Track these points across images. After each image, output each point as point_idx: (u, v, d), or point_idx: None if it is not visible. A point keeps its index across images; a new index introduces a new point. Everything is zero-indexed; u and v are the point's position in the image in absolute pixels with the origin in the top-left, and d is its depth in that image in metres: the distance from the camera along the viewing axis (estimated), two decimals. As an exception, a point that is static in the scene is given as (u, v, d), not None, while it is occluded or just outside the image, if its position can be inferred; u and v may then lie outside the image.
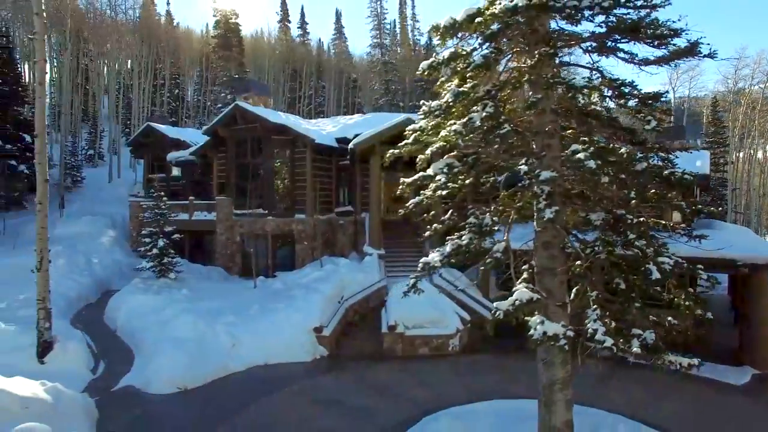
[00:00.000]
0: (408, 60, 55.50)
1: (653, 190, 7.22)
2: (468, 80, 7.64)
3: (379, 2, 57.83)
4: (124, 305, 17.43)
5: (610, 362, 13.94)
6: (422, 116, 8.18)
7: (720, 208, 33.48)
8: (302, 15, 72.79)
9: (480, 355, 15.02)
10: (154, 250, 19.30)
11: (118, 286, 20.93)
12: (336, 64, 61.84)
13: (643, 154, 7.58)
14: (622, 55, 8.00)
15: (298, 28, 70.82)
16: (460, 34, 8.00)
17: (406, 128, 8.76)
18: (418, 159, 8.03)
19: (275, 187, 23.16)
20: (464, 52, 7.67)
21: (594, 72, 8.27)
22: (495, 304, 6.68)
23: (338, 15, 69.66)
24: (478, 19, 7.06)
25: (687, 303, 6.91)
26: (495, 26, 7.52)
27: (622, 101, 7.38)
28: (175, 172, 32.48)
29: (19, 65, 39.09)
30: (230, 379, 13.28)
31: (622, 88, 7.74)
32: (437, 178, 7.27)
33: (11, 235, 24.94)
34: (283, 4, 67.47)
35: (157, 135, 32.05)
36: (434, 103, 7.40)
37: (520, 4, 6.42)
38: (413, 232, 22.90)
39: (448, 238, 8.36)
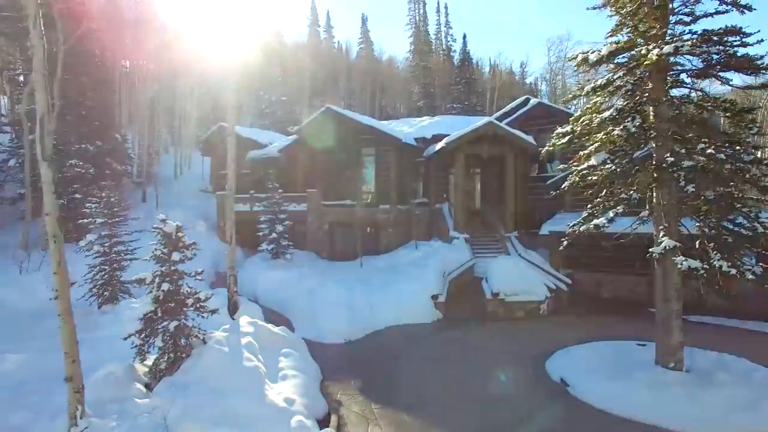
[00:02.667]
0: (440, 65, 58.72)
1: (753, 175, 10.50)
2: (618, 98, 10.96)
3: (417, 10, 61.03)
4: (259, 280, 20.71)
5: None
6: (574, 122, 11.53)
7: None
8: (328, 19, 76.42)
9: (566, 316, 18.33)
10: (273, 235, 22.56)
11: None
12: (366, 68, 65.06)
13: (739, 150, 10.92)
14: (720, 79, 11.38)
15: (324, 32, 74.34)
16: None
17: (555, 131, 12.06)
18: (581, 153, 11.32)
19: (362, 180, 26.47)
20: (613, 80, 10.99)
21: (692, 91, 11.68)
22: (651, 249, 9.98)
23: (364, 20, 72.79)
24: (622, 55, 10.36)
25: (777, 250, 10.20)
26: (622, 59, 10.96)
27: (728, 114, 10.63)
28: (245, 169, 35.75)
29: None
30: (377, 334, 16.54)
31: (724, 104, 11.08)
32: (606, 165, 10.56)
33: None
34: (313, 10, 70.91)
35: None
36: (604, 115, 10.67)
37: (671, 51, 9.69)
38: (483, 220, 26.28)
39: (589, 210, 11.74)
